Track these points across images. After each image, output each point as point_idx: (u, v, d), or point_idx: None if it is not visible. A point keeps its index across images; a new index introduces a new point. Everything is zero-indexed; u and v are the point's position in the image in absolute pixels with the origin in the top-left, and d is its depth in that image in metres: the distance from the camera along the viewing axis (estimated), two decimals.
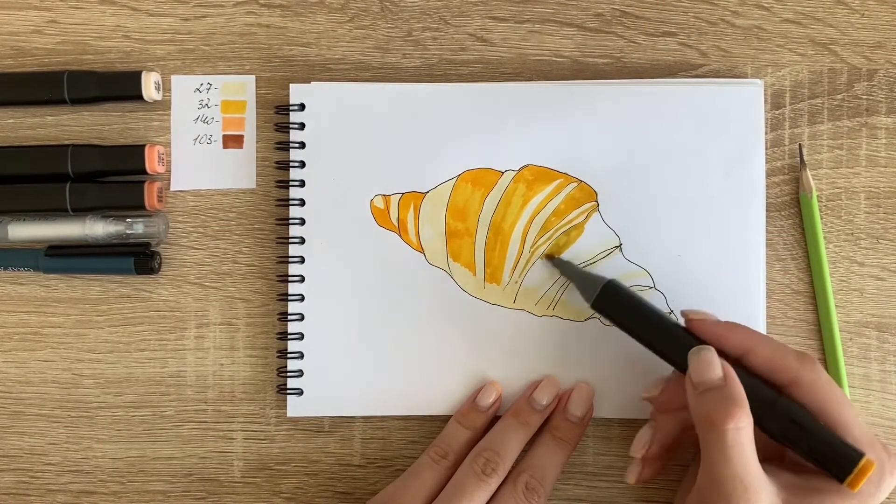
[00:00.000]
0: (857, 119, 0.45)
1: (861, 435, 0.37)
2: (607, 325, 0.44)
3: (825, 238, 0.45)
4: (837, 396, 0.38)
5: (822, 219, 0.45)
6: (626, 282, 0.44)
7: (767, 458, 0.38)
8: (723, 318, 0.40)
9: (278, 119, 0.45)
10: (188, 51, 0.46)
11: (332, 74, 0.46)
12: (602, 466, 0.45)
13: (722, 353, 0.39)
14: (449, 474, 0.41)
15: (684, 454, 0.42)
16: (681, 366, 0.39)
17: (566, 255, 0.44)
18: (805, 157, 0.45)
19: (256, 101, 0.46)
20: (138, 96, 0.45)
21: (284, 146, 0.45)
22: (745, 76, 0.45)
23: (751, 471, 0.35)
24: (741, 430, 0.35)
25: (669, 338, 0.39)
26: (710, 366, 0.37)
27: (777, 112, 0.45)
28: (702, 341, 0.39)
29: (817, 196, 0.45)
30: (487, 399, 0.43)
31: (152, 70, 0.45)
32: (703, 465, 0.37)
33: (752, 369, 0.39)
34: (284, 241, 0.45)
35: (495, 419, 0.43)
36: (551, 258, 0.44)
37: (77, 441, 0.46)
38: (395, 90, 0.45)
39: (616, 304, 0.41)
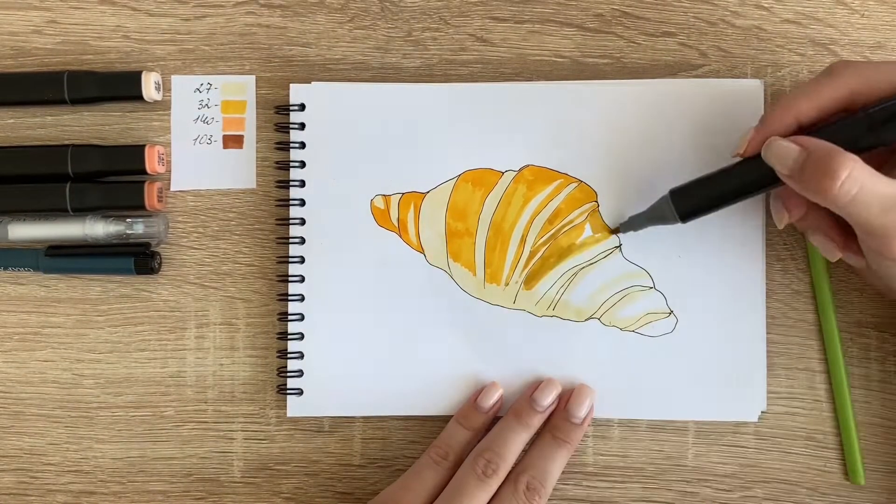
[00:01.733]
0: None
1: None
2: (607, 325, 0.44)
3: None
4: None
5: None
6: (626, 282, 0.44)
7: None
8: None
9: (278, 119, 0.45)
10: (188, 51, 0.46)
11: (332, 74, 0.46)
12: (602, 466, 0.45)
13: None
14: (449, 475, 0.41)
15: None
16: (773, 181, 0.38)
17: (567, 256, 0.44)
18: None
19: (256, 101, 0.46)
20: (138, 96, 0.45)
21: (284, 146, 0.45)
22: (745, 76, 0.45)
23: (888, 196, 0.34)
24: (852, 175, 0.34)
25: (746, 177, 0.39)
26: (785, 151, 0.37)
27: None
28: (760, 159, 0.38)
29: None
30: (489, 400, 0.43)
31: (152, 70, 0.45)
32: (855, 229, 0.36)
33: (810, 121, 0.38)
34: (284, 241, 0.45)
35: (495, 419, 0.43)
36: (618, 230, 0.44)
37: (77, 441, 0.46)
38: (395, 90, 0.45)
39: (691, 197, 0.40)
